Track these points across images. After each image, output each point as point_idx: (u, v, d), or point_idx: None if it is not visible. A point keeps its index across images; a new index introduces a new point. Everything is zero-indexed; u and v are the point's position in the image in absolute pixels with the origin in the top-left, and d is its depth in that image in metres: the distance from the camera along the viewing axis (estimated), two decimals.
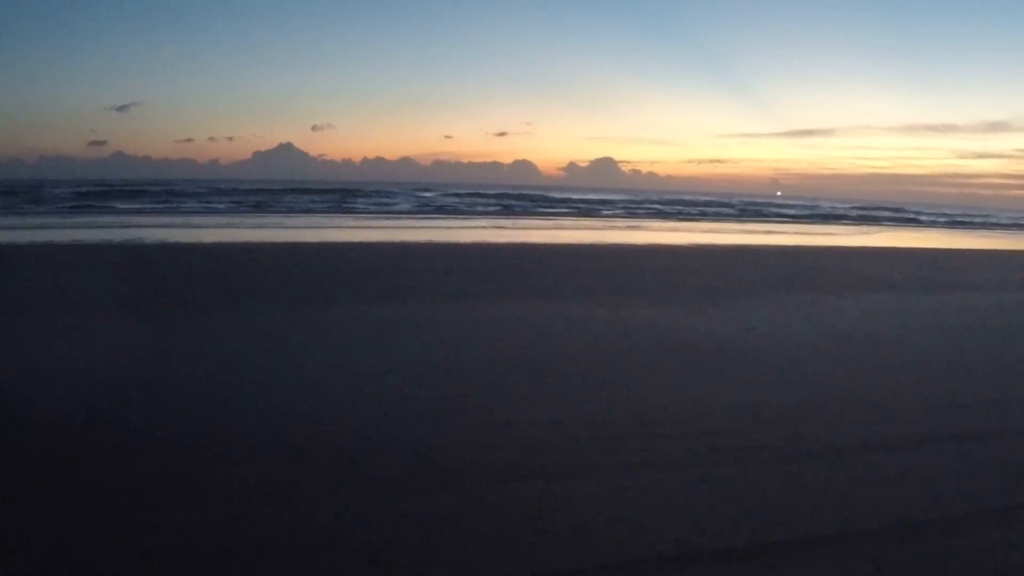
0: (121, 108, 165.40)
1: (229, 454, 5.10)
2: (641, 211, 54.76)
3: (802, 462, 5.31)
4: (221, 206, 42.53)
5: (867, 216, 59.39)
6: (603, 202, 60.74)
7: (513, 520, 4.26)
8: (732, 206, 62.90)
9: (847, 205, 76.14)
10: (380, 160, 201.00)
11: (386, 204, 49.66)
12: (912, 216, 62.88)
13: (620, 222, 43.13)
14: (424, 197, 56.53)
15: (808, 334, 9.94)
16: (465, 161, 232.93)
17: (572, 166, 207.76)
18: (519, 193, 66.91)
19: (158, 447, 5.19)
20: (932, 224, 57.53)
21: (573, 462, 5.16)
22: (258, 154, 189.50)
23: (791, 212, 58.42)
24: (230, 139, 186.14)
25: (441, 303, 11.41)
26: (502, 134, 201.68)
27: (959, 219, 63.85)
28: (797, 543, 4.11)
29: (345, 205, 47.35)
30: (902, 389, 7.36)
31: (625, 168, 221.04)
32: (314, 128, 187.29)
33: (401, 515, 4.27)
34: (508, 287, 13.52)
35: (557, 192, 79.44)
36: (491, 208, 49.93)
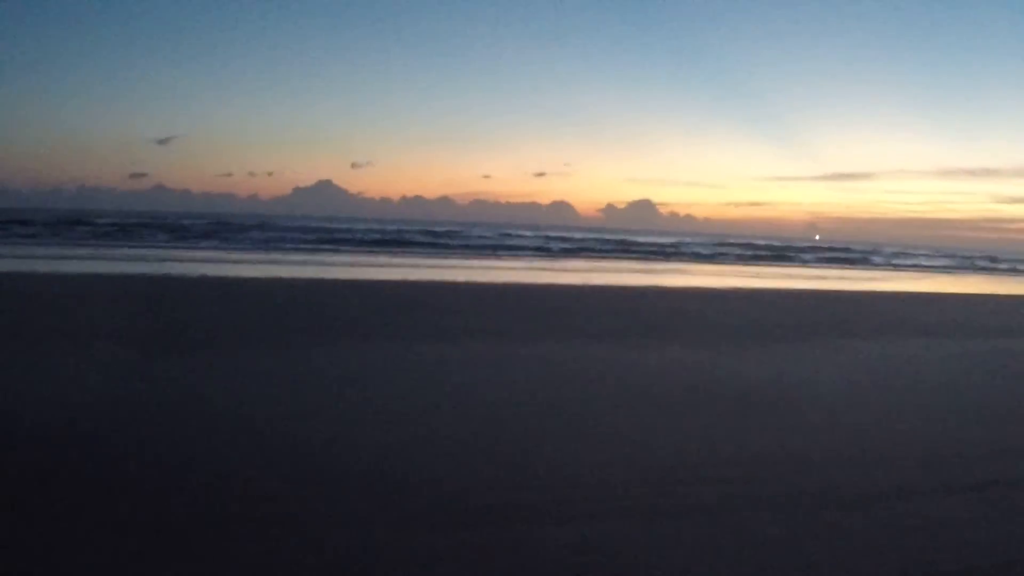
0: (162, 141, 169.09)
1: (255, 489, 5.12)
2: (690, 253, 54.55)
3: (839, 510, 5.19)
4: (265, 242, 43.27)
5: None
6: (643, 244, 60.62)
7: (544, 562, 4.22)
8: (785, 248, 62.54)
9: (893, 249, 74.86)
10: (419, 199, 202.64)
11: (435, 242, 50.09)
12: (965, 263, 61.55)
13: (660, 265, 42.99)
14: (469, 237, 56.85)
15: (847, 379, 9.77)
16: (504, 201, 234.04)
17: (610, 208, 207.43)
18: (563, 236, 67.07)
19: (181, 480, 5.23)
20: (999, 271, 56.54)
21: (607, 506, 5.10)
22: (297, 190, 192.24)
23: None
24: (270, 174, 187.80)
25: (477, 342, 11.43)
26: (541, 174, 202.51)
27: None
28: None
29: (391, 244, 47.83)
30: (942, 436, 7.18)
31: (663, 210, 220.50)
32: (353, 166, 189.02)
33: (430, 554, 4.25)
34: (544, 328, 13.51)
35: (596, 234, 79.41)
36: (531, 249, 50.21)
